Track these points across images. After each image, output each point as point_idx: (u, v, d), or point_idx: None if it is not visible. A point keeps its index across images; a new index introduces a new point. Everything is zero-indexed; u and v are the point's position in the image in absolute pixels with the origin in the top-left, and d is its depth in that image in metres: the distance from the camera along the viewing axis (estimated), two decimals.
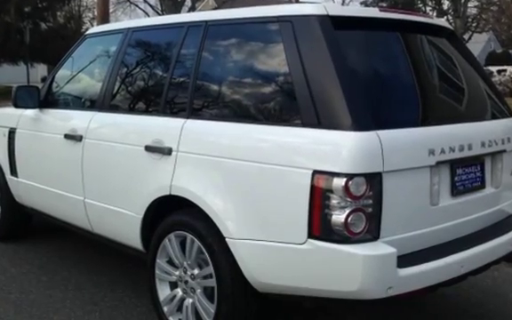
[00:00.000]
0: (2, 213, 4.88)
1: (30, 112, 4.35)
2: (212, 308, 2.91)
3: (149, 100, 3.56)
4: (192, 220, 2.98)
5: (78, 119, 3.89)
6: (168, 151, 3.10)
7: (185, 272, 3.06)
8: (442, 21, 3.61)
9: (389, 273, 2.46)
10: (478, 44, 36.40)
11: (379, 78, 2.90)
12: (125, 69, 3.73)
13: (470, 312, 3.61)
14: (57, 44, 21.85)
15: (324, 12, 2.73)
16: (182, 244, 3.06)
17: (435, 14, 27.94)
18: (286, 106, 2.75)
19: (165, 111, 3.28)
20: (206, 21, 3.22)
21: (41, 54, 23.70)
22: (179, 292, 3.11)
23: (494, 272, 4.04)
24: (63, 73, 4.39)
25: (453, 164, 2.84)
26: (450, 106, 3.18)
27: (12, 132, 4.56)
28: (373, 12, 3.01)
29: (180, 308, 3.11)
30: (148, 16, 25.93)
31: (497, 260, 2.96)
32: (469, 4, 30.16)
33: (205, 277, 2.95)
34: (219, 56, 3.14)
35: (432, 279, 2.62)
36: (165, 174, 3.10)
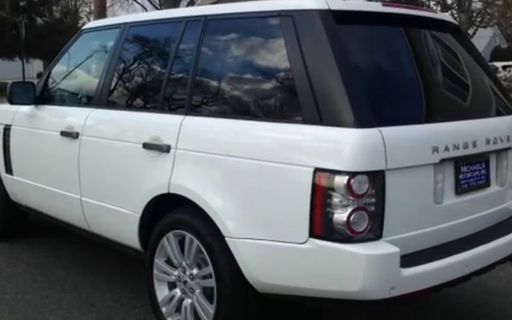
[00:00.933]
0: None
1: (26, 109, 4.30)
2: (211, 309, 2.87)
3: (147, 96, 3.51)
4: (191, 219, 2.93)
5: (75, 116, 3.84)
6: (166, 148, 3.06)
7: (184, 272, 3.01)
8: (446, 16, 3.60)
9: (392, 273, 2.42)
10: (483, 39, 35.90)
11: (381, 74, 2.86)
12: (123, 65, 3.68)
13: (475, 312, 3.58)
14: (53, 39, 21.79)
15: (326, 7, 2.69)
16: (181, 244, 3.02)
17: (439, 9, 27.74)
18: (287, 102, 2.71)
19: (164, 108, 3.24)
20: (205, 16, 3.17)
21: (37, 50, 23.65)
22: (177, 292, 3.07)
23: (499, 272, 3.99)
24: (59, 69, 4.34)
25: (458, 162, 2.80)
26: (454, 102, 3.14)
27: (6, 129, 4.52)
28: (376, 7, 2.96)
29: (178, 309, 3.08)
30: (146, 10, 25.86)
31: (502, 259, 2.92)
32: None
33: (204, 277, 2.90)
34: (218, 52, 3.09)
35: (436, 279, 2.58)
36: (164, 172, 3.05)
